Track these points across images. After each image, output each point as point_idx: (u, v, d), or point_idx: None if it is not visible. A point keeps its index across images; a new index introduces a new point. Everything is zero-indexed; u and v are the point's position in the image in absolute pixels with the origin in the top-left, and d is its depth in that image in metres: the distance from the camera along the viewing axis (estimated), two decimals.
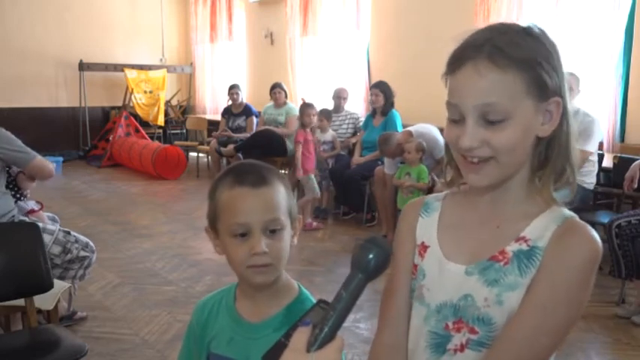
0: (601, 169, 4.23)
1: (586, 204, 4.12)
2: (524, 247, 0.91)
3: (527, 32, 0.89)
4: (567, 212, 0.94)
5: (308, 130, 5.27)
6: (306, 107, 5.34)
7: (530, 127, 0.89)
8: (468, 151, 0.89)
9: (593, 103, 4.72)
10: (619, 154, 4.42)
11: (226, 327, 1.12)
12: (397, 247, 1.06)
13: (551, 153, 0.92)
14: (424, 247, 1.00)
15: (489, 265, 0.92)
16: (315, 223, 5.26)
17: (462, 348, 0.93)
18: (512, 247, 0.92)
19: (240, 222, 1.04)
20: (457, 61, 0.89)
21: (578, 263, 0.88)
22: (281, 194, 1.07)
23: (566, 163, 0.93)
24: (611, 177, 4.33)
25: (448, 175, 1.01)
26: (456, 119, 0.90)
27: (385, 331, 1.04)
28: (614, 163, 4.25)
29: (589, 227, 0.91)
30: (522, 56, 0.86)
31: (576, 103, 3.96)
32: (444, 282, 0.96)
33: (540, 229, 0.92)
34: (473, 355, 0.93)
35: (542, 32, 0.91)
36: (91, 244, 3.14)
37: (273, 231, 1.04)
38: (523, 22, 0.92)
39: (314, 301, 1.13)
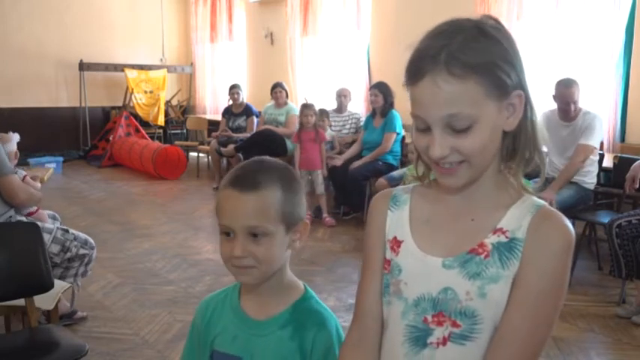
0: (601, 169, 4.23)
1: (586, 204, 4.11)
2: (502, 238, 0.92)
3: (481, 31, 0.88)
4: (537, 200, 0.95)
5: (308, 130, 5.41)
6: (303, 108, 5.52)
7: (497, 125, 0.90)
8: (440, 160, 0.90)
9: (594, 103, 4.72)
10: (619, 154, 4.42)
11: (230, 325, 1.13)
12: (367, 240, 1.06)
13: (518, 143, 0.93)
14: (397, 242, 1.00)
15: (470, 259, 0.93)
16: (327, 219, 5.43)
17: (445, 341, 0.94)
18: (490, 240, 0.93)
19: (224, 223, 1.06)
20: (416, 73, 0.89)
21: (558, 252, 0.90)
22: (272, 200, 1.05)
23: (534, 150, 0.94)
24: (611, 177, 4.33)
25: (419, 169, 1.01)
26: (423, 128, 0.91)
27: (355, 327, 1.06)
28: (614, 163, 4.25)
29: (561, 214, 0.93)
30: (479, 61, 0.85)
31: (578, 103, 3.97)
32: (421, 275, 0.96)
33: (516, 219, 0.93)
34: (455, 348, 0.93)
35: (497, 27, 0.90)
36: (91, 240, 3.14)
37: (256, 235, 1.04)
38: (477, 16, 0.91)
39: (319, 300, 1.15)
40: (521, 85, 0.90)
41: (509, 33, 0.91)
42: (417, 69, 0.89)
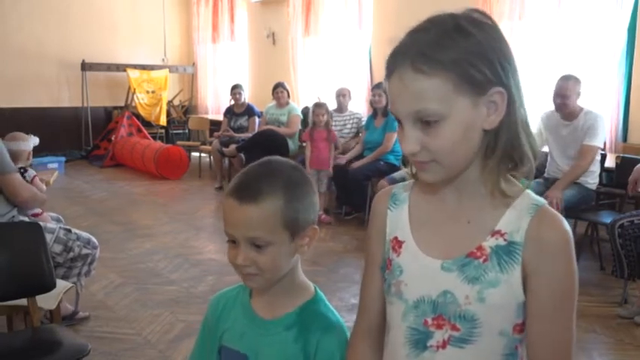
0: (603, 169, 4.22)
1: (588, 204, 4.11)
2: (501, 242, 0.91)
3: (456, 27, 0.86)
4: (535, 199, 0.94)
5: (320, 129, 5.46)
6: (315, 107, 5.55)
7: (472, 123, 0.88)
8: (411, 156, 0.91)
9: (596, 103, 4.71)
10: (621, 154, 4.42)
11: (239, 322, 1.13)
12: (368, 239, 1.07)
13: (498, 143, 0.91)
14: (399, 243, 1.00)
15: (468, 262, 0.92)
16: (323, 216, 5.43)
17: (444, 344, 0.94)
18: (489, 243, 0.92)
19: (228, 232, 1.06)
20: (388, 69, 0.90)
21: (562, 256, 0.90)
22: (273, 210, 1.02)
23: (517, 151, 0.91)
24: (613, 177, 4.32)
25: (414, 167, 1.00)
26: (400, 124, 0.92)
27: (360, 320, 1.09)
28: (616, 163, 4.24)
29: (559, 216, 0.93)
30: (446, 58, 0.84)
31: (580, 102, 3.96)
32: (421, 277, 0.96)
33: (514, 220, 0.92)
34: (455, 352, 0.93)
35: (477, 22, 0.88)
36: (93, 239, 3.14)
37: (258, 245, 1.04)
38: (459, 12, 0.89)
39: (328, 304, 1.14)
40: (502, 82, 0.87)
41: (493, 28, 0.89)
42: (388, 65, 0.90)
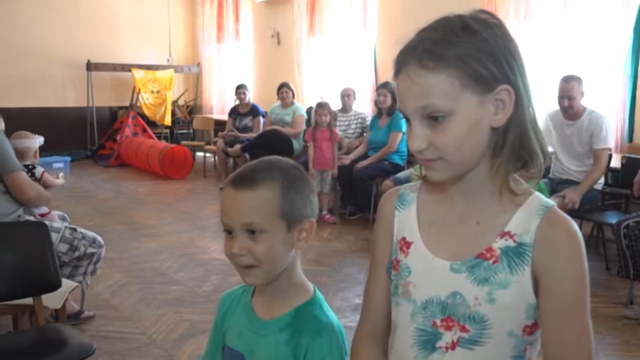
0: (609, 170, 4.21)
1: (594, 204, 4.10)
2: (510, 243, 0.91)
3: (463, 25, 0.87)
4: (545, 201, 0.93)
5: (322, 128, 5.46)
6: (318, 107, 5.55)
7: (479, 120, 0.88)
8: (418, 153, 0.91)
9: (602, 103, 4.70)
10: (627, 155, 4.40)
11: (239, 320, 1.14)
12: (375, 239, 1.07)
13: (507, 141, 0.91)
14: (407, 244, 0.99)
15: (478, 263, 0.92)
16: (327, 216, 5.44)
17: (453, 346, 0.93)
18: (498, 244, 0.92)
19: (223, 221, 1.06)
20: (396, 67, 0.91)
21: (573, 257, 0.90)
22: (269, 197, 1.03)
23: (526, 150, 0.91)
24: (619, 177, 4.31)
25: (423, 170, 1.00)
26: (409, 122, 0.92)
27: (364, 322, 1.09)
28: (622, 164, 4.23)
29: (569, 219, 0.92)
30: (452, 54, 0.85)
31: (583, 102, 3.95)
32: (430, 278, 0.96)
33: (524, 222, 0.91)
34: (464, 353, 0.93)
35: (484, 21, 0.88)
36: (99, 238, 3.15)
37: (254, 232, 1.03)
38: (467, 12, 0.90)
39: (324, 307, 1.12)
40: (509, 80, 0.87)
41: (500, 27, 0.89)
42: (396, 63, 0.91)
